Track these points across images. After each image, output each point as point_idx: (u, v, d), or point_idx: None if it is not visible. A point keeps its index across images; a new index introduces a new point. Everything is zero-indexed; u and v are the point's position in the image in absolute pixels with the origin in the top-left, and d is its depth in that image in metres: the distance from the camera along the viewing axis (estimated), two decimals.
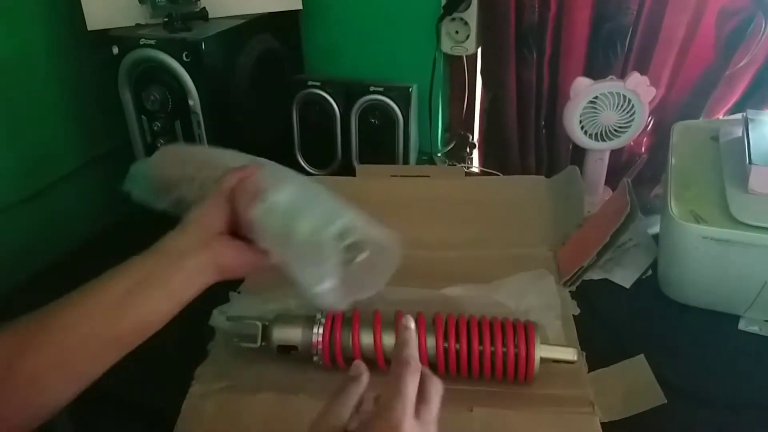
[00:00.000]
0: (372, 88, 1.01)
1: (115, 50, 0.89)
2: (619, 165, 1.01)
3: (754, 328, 0.71)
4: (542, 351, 0.60)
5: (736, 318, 0.72)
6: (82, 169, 0.99)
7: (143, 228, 0.53)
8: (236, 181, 0.54)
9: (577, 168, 0.90)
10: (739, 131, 0.78)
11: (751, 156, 0.68)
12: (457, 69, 1.06)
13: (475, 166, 1.13)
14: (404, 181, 0.97)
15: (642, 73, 0.85)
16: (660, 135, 0.98)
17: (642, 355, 0.64)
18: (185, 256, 0.50)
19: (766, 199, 0.66)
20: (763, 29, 0.84)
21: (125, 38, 0.88)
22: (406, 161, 1.06)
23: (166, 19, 0.89)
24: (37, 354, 0.43)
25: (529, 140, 1.02)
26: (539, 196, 0.92)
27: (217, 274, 0.52)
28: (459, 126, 1.12)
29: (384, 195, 0.94)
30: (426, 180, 0.97)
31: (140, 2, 0.90)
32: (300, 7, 1.02)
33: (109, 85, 0.92)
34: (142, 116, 0.93)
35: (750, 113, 0.79)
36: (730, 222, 0.64)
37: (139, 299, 0.47)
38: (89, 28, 0.91)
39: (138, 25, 0.93)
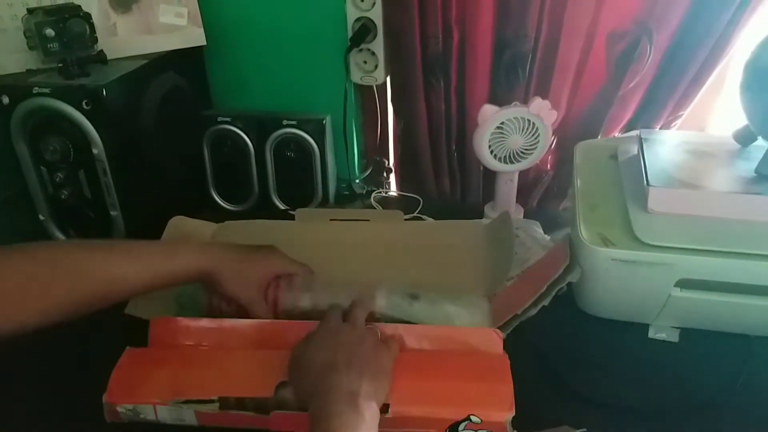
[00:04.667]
0: (285, 122, 1.00)
1: (5, 100, 0.83)
2: (527, 182, 1.05)
3: (662, 335, 0.76)
4: None
5: (647, 326, 0.77)
6: None
7: None
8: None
9: (509, 213, 0.90)
10: (634, 149, 0.84)
11: (648, 177, 0.73)
12: (368, 98, 1.07)
13: (393, 190, 1.15)
14: (343, 225, 0.96)
15: (543, 97, 0.89)
16: (563, 152, 1.03)
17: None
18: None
19: (666, 218, 0.71)
20: (648, 52, 0.90)
21: (16, 87, 0.83)
22: (324, 191, 1.06)
23: (60, 65, 0.84)
24: None
25: (442, 164, 1.05)
26: (475, 241, 0.91)
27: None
28: (375, 152, 1.13)
29: (322, 239, 0.93)
30: (365, 224, 0.96)
31: (29, 48, 0.85)
32: (204, 43, 0.99)
33: (1, 135, 0.86)
34: (42, 167, 0.87)
35: (644, 133, 0.85)
36: (635, 243, 0.68)
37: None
38: None
39: (29, 71, 0.87)
